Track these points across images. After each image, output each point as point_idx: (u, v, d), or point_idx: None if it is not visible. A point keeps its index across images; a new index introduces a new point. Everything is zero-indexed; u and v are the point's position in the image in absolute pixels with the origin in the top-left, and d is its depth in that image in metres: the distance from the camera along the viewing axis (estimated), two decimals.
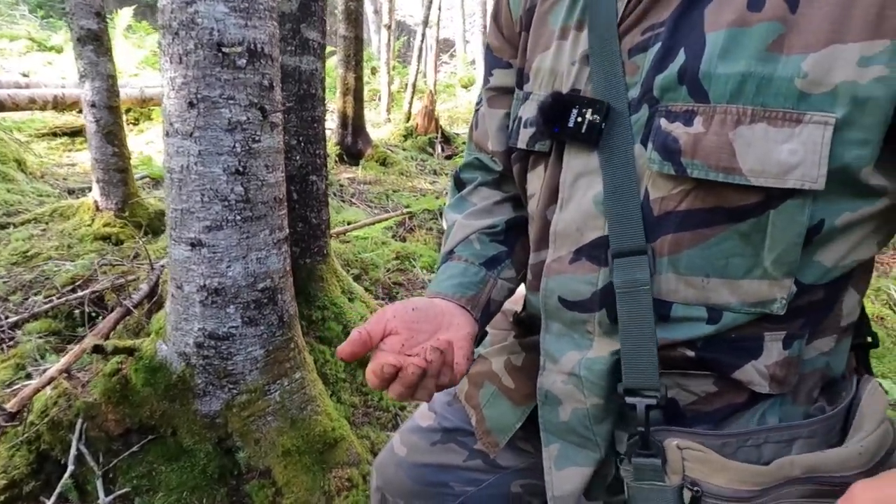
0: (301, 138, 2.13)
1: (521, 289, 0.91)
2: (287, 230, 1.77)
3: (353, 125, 6.02)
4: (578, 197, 0.67)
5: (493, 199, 0.88)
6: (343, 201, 4.61)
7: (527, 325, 0.87)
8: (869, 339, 0.72)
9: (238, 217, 1.58)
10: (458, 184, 0.93)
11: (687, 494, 0.60)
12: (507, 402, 0.85)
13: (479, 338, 0.83)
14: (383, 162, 6.14)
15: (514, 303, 0.93)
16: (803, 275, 0.60)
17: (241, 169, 1.56)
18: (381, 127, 8.13)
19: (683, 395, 0.67)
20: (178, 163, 1.54)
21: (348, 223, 3.78)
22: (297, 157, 2.13)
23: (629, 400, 0.63)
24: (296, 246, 2.18)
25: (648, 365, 0.62)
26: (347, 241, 3.45)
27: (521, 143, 0.75)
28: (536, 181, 0.75)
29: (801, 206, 0.56)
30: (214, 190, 1.55)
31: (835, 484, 0.57)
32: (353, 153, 6.05)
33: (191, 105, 1.50)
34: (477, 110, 0.91)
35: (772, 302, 0.61)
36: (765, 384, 0.63)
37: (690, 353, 0.64)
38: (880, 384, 0.69)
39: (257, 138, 1.58)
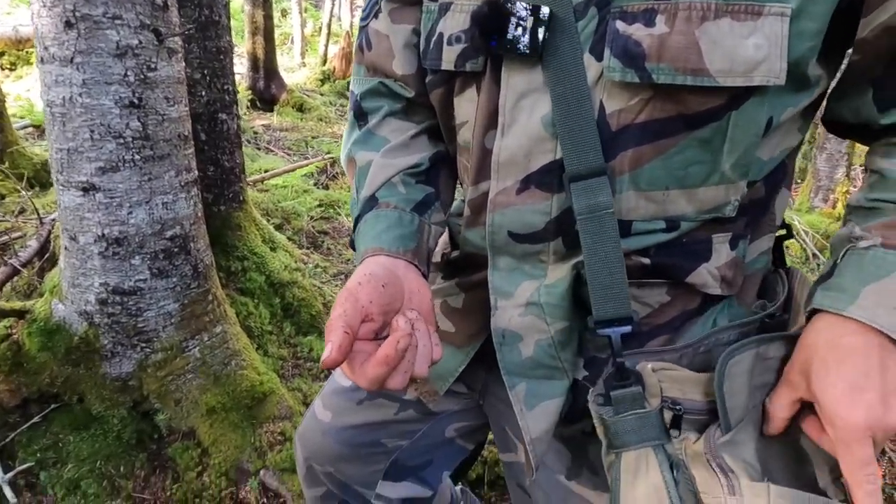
0: (206, 71, 1.92)
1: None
2: (196, 172, 1.60)
3: (266, 68, 5.64)
4: (523, 120, 0.60)
5: (407, 132, 0.77)
6: (259, 149, 4.33)
7: (458, 266, 0.80)
8: (783, 232, 0.74)
9: (137, 156, 1.40)
10: (360, 115, 0.80)
11: (668, 414, 0.59)
12: (447, 348, 0.79)
13: None
14: (300, 107, 5.82)
15: (440, 245, 0.85)
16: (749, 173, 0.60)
17: (136, 101, 1.37)
18: (296, 71, 7.70)
19: (638, 307, 0.65)
20: (59, 94, 1.33)
21: (266, 171, 3.56)
22: (203, 93, 1.93)
23: (602, 332, 0.60)
24: (208, 192, 2.00)
25: (619, 293, 0.59)
26: (266, 190, 3.25)
27: (447, 64, 0.65)
28: (468, 106, 0.67)
29: (761, 105, 0.54)
30: (106, 125, 1.35)
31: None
32: (266, 98, 5.68)
33: (68, 25, 1.28)
34: (364, 27, 0.79)
35: (725, 205, 0.60)
36: (716, 285, 0.63)
37: (646, 261, 0.62)
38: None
39: (153, 66, 1.39)
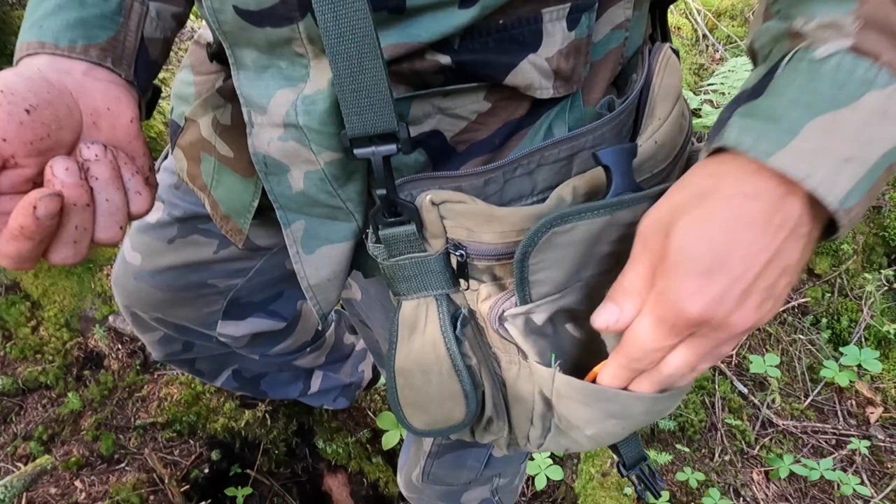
0: None
1: None
2: None
3: None
4: None
5: None
6: None
7: (223, 64, 0.58)
8: None
9: None
10: None
11: (454, 260, 0.47)
12: (233, 176, 0.61)
13: (148, 106, 0.54)
14: None
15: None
16: None
17: None
18: None
19: (448, 122, 0.48)
20: None
21: None
22: None
23: (359, 153, 0.43)
24: None
25: (376, 95, 0.41)
26: None
27: None
28: None
29: None
30: None
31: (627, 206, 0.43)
32: None
33: None
34: None
35: None
36: (548, 85, 0.46)
37: (446, 60, 0.44)
38: (675, 51, 0.54)
39: None
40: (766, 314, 0.37)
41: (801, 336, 1.80)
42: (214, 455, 1.30)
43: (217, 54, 0.58)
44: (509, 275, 0.47)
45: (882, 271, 1.80)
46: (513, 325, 0.47)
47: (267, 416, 1.34)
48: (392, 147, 0.42)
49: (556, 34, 0.44)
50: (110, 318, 1.38)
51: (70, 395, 1.29)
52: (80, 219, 0.39)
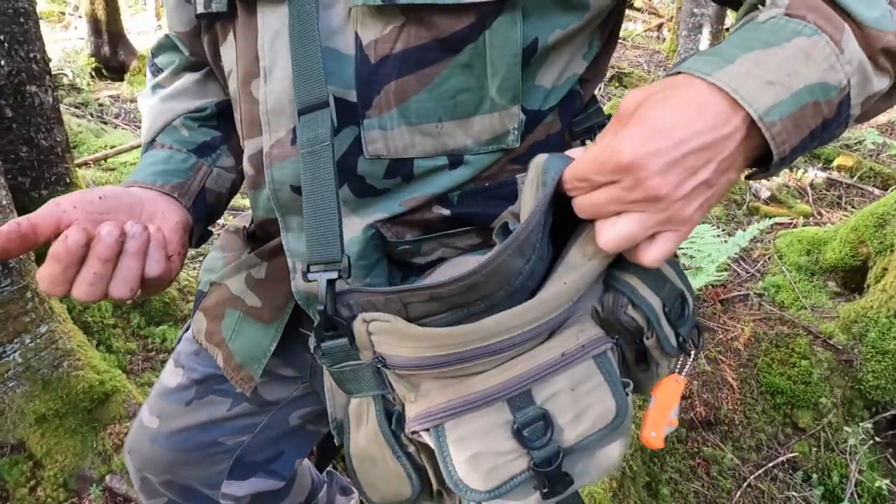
0: (2, 37, 1.67)
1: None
2: None
3: (110, 32, 5.08)
4: (282, 62, 0.58)
5: (194, 78, 0.77)
6: (105, 123, 3.93)
7: (260, 238, 0.76)
8: None
9: None
10: (155, 70, 0.80)
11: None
12: (255, 325, 0.75)
13: (198, 237, 0.73)
14: None
15: (244, 220, 0.82)
16: (528, 100, 0.60)
17: None
18: (150, 35, 7.03)
19: (450, 251, 0.65)
20: None
21: (112, 147, 3.24)
22: (2, 63, 1.68)
23: (311, 276, 0.53)
24: (23, 175, 1.76)
25: (330, 234, 0.53)
26: (112, 169, 2.96)
27: (200, 7, 0.64)
28: (230, 53, 0.65)
29: (513, 23, 0.55)
30: None
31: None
32: (113, 66, 5.14)
33: None
34: None
35: (505, 135, 0.60)
36: None
37: (446, 213, 0.61)
38: None
39: None
40: (680, 195, 0.41)
41: (795, 493, 1.79)
42: None
43: (252, 234, 0.78)
44: (419, 385, 0.52)
45: (861, 424, 1.84)
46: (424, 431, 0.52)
47: None
48: (334, 273, 0.52)
49: (527, 193, 0.59)
50: (107, 478, 1.42)
51: None
52: (100, 269, 0.53)
